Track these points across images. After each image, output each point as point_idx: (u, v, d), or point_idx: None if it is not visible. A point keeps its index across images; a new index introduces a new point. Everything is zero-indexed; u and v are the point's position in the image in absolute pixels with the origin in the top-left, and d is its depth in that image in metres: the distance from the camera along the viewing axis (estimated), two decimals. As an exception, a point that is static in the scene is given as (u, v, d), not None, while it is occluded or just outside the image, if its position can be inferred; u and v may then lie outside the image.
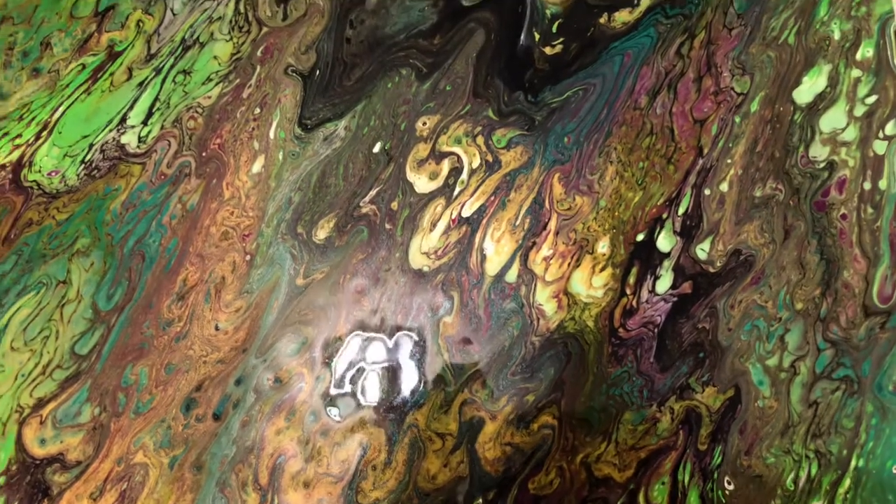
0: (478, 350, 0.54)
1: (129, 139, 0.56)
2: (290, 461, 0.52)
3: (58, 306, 0.53)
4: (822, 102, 0.56)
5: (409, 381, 0.54)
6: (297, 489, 0.52)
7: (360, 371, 0.54)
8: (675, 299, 0.55)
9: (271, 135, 0.56)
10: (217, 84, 0.57)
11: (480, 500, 0.53)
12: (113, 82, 0.57)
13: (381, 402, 0.53)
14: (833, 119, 0.56)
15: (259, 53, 0.57)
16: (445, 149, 0.57)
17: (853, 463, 0.53)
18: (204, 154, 0.56)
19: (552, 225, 0.56)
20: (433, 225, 0.56)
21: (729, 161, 0.56)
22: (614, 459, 0.53)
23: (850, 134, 0.56)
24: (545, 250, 0.55)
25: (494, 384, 0.54)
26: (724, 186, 0.56)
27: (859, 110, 0.56)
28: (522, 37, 0.58)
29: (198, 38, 0.57)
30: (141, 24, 0.57)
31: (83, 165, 0.55)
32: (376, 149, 0.56)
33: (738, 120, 0.56)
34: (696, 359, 0.54)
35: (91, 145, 0.56)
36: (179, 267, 0.54)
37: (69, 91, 0.56)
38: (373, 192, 0.56)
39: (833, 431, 0.54)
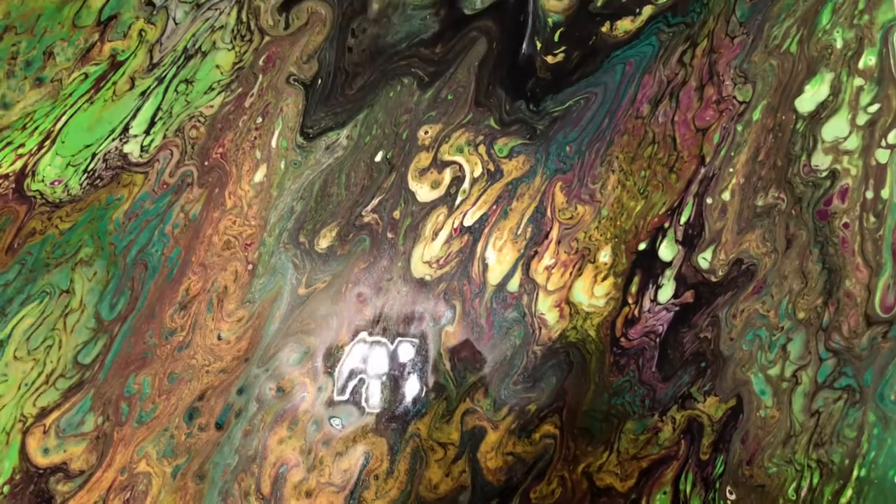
0: (480, 359, 0.54)
1: (132, 148, 0.56)
2: (292, 470, 0.52)
3: (61, 316, 0.53)
4: (824, 111, 0.56)
5: (411, 390, 0.54)
6: (299, 498, 0.52)
7: (362, 380, 0.54)
8: (676, 308, 0.55)
9: (273, 144, 0.56)
10: (219, 93, 0.57)
11: (482, 510, 0.53)
12: (115, 92, 0.57)
13: (383, 411, 0.54)
14: (835, 128, 0.56)
15: (261, 62, 0.57)
16: (447, 158, 0.57)
17: (855, 473, 0.53)
18: (206, 163, 0.56)
19: (554, 234, 0.56)
20: (435, 234, 0.56)
21: (731, 170, 0.56)
22: (616, 469, 0.54)
23: (853, 143, 0.56)
24: (547, 259, 0.55)
25: (496, 393, 0.54)
26: (726, 195, 0.56)
27: (862, 119, 0.56)
28: (524, 45, 0.58)
29: (200, 47, 0.57)
30: (143, 34, 0.58)
31: (86, 175, 0.55)
32: (378, 158, 0.57)
33: (740, 128, 0.56)
34: (698, 368, 0.54)
35: (94, 155, 0.56)
36: (182, 276, 0.55)
37: (72, 100, 0.56)
38: (375, 202, 0.56)
39: (835, 441, 0.54)
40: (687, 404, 0.54)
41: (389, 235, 0.56)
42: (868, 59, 0.56)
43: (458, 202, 0.56)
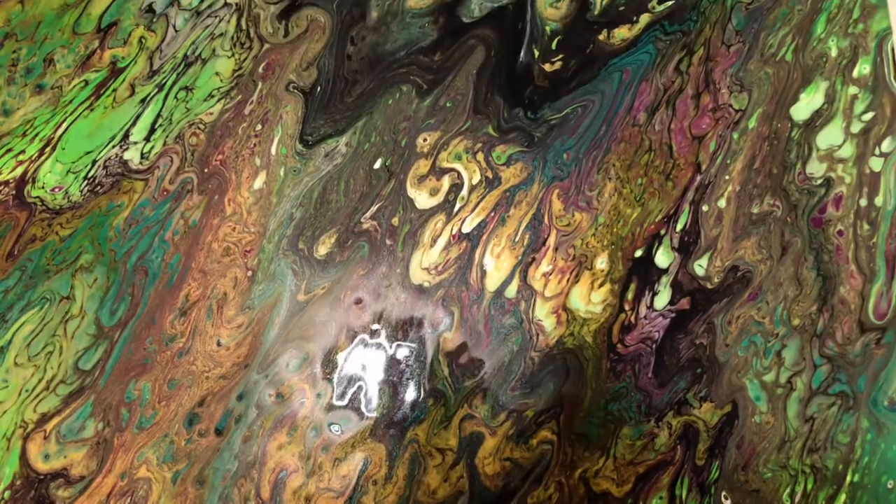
0: (478, 365, 0.55)
1: (132, 155, 0.56)
2: (291, 476, 0.53)
3: (61, 322, 0.54)
4: (819, 119, 0.57)
5: (409, 396, 0.54)
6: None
7: (361, 386, 0.54)
8: (673, 315, 0.55)
9: (273, 151, 0.57)
10: (219, 100, 0.57)
11: (480, 515, 0.53)
12: (115, 98, 0.57)
13: (382, 417, 0.54)
14: (830, 136, 0.56)
15: (260, 70, 0.58)
16: (446, 165, 0.57)
17: (848, 478, 0.54)
18: (206, 170, 0.56)
19: (551, 241, 0.56)
20: (434, 241, 0.56)
21: (727, 177, 0.57)
22: (613, 474, 0.54)
23: (847, 151, 0.56)
24: (544, 266, 0.56)
25: (494, 399, 0.54)
26: (722, 203, 0.56)
27: (856, 127, 0.56)
28: (522, 53, 0.58)
29: (200, 54, 0.58)
30: (143, 41, 0.58)
31: (86, 181, 0.56)
32: (377, 165, 0.57)
33: (735, 136, 0.57)
34: (694, 374, 0.55)
35: (94, 161, 0.56)
36: (182, 283, 0.55)
37: (72, 107, 0.57)
38: (374, 208, 0.56)
39: (829, 446, 0.54)
40: (683, 410, 0.55)
41: (388, 242, 0.56)
42: (862, 68, 0.57)
43: (456, 209, 0.57)
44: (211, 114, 0.57)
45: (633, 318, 0.55)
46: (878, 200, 0.56)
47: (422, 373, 0.55)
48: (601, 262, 0.56)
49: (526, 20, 0.58)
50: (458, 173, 0.57)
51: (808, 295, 0.56)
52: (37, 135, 0.56)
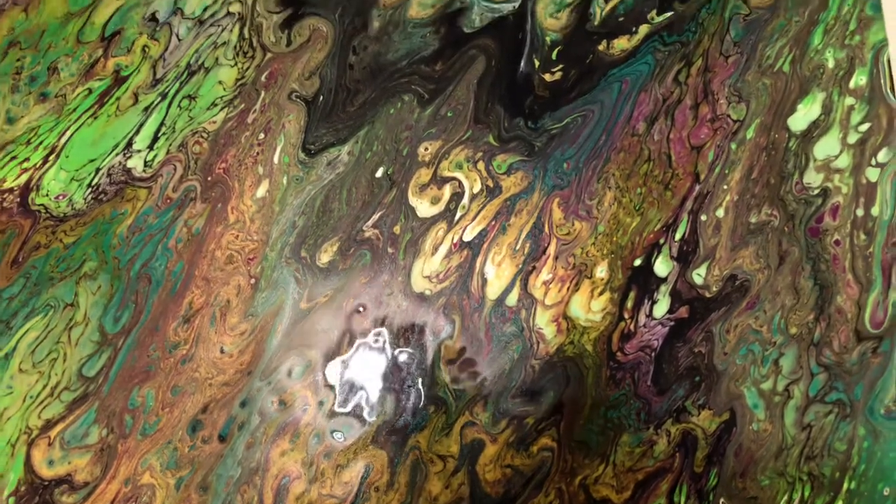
0: (479, 373, 0.55)
1: (136, 163, 0.57)
2: (294, 482, 0.53)
3: (65, 329, 0.54)
4: (816, 130, 0.57)
5: (411, 403, 0.55)
6: (301, 510, 0.53)
7: (363, 394, 0.55)
8: (671, 324, 0.56)
9: (275, 160, 0.57)
10: (222, 109, 0.58)
11: (481, 521, 0.54)
12: (119, 107, 0.57)
13: (384, 424, 0.54)
14: (827, 146, 0.57)
15: (263, 79, 0.58)
16: (447, 174, 0.58)
17: (845, 485, 0.54)
18: (209, 178, 0.57)
19: (551, 249, 0.57)
20: (435, 249, 0.57)
21: (725, 187, 0.57)
22: (612, 481, 0.55)
23: (844, 161, 0.57)
24: (545, 274, 0.56)
25: (495, 407, 0.55)
26: (721, 212, 0.57)
27: (852, 138, 0.57)
28: (522, 64, 0.59)
29: (203, 63, 0.58)
30: (147, 50, 0.58)
31: (90, 189, 0.56)
32: (379, 174, 0.57)
33: (734, 146, 0.58)
34: (693, 382, 0.56)
35: (98, 169, 0.56)
36: (185, 290, 0.55)
37: (76, 115, 0.57)
38: (375, 217, 0.57)
39: (826, 454, 0.55)
40: (681, 418, 0.55)
41: (390, 250, 0.57)
42: (859, 79, 0.58)
43: (457, 218, 0.57)
44: (214, 122, 0.57)
45: (632, 327, 0.56)
46: (875, 210, 0.56)
47: (423, 380, 0.55)
48: (601, 271, 0.56)
49: (526, 30, 0.59)
50: (460, 182, 0.57)
51: (806, 304, 0.56)
52: (41, 143, 0.56)
